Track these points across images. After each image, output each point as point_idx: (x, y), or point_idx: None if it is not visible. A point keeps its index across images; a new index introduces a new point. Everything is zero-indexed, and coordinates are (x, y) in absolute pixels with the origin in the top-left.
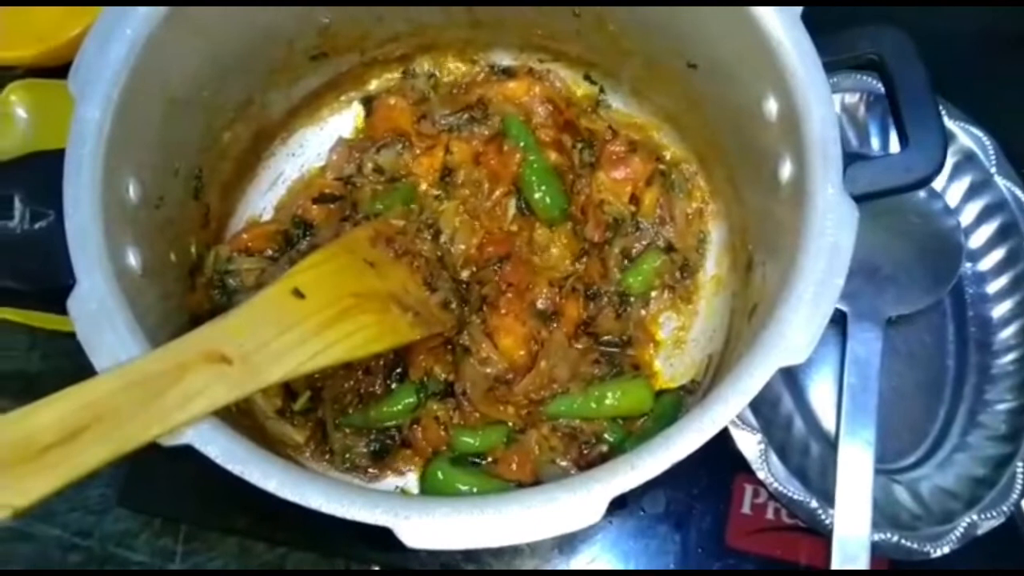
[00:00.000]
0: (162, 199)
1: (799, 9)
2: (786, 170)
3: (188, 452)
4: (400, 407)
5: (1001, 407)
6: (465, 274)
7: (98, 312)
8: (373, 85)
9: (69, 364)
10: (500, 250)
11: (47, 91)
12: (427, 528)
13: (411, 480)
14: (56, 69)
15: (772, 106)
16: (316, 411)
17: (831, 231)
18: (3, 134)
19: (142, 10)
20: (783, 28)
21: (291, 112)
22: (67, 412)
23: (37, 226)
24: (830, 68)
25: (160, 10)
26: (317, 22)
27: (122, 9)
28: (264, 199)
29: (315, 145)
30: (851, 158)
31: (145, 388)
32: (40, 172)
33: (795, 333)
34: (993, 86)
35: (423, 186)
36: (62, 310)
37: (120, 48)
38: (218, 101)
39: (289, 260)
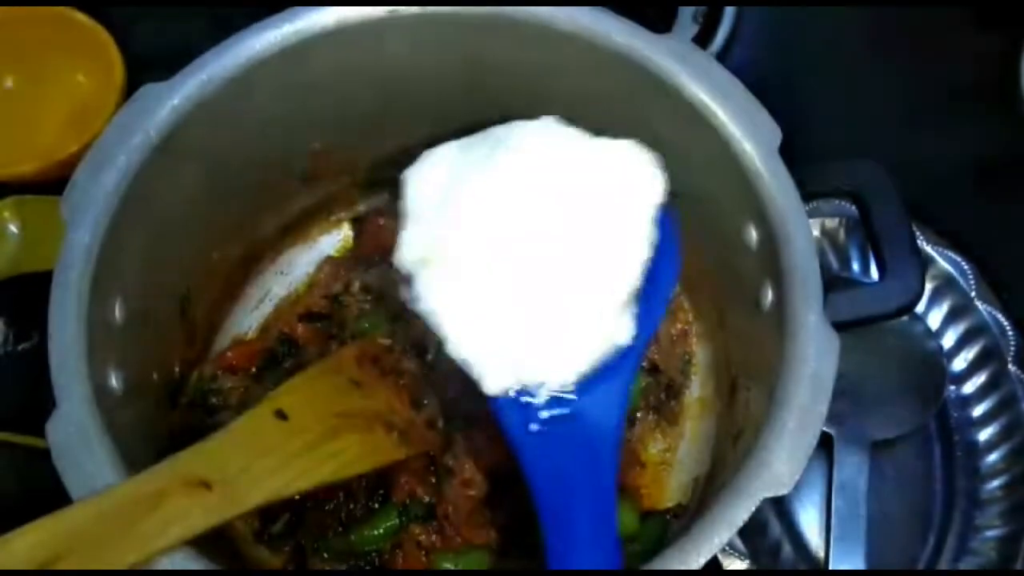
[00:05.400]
0: (148, 319)
1: (776, 142)
2: (767, 297)
3: None
4: (382, 531)
5: (991, 533)
6: (452, 393)
7: (76, 436)
8: (363, 206)
9: (45, 482)
10: None
11: (40, 207)
12: None
13: None
14: (51, 185)
15: (752, 234)
16: (295, 534)
17: (812, 359)
18: None
19: (136, 139)
20: (761, 161)
21: (281, 232)
22: (40, 543)
23: (21, 347)
24: (807, 198)
25: (154, 138)
26: (309, 147)
27: (117, 137)
28: (250, 317)
29: (304, 264)
30: (832, 281)
31: (121, 516)
32: (26, 294)
33: (779, 463)
34: (970, 212)
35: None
36: (42, 432)
37: (113, 176)
38: (209, 223)
39: (274, 379)
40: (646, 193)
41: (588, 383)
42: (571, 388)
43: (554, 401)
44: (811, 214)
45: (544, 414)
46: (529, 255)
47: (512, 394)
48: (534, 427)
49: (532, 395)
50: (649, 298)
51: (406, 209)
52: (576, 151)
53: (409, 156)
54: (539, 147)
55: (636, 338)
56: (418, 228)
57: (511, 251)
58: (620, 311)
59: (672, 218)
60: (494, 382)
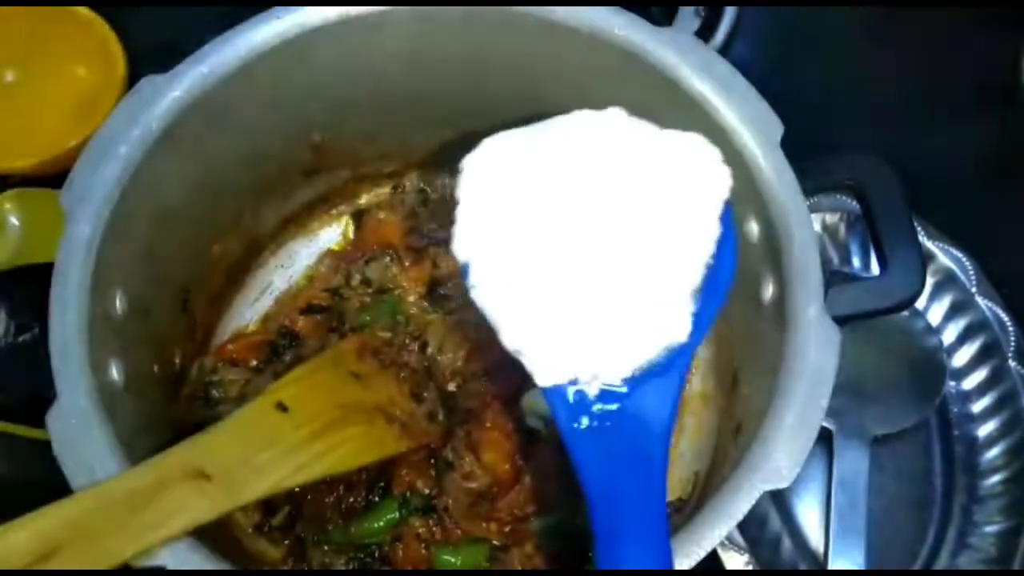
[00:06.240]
0: (149, 312)
1: (778, 135)
2: (768, 291)
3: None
4: (382, 523)
5: (990, 529)
6: (452, 386)
7: (77, 427)
8: (363, 199)
9: (43, 473)
10: (486, 362)
11: (40, 200)
12: None
13: None
14: (51, 178)
15: (754, 228)
16: (295, 527)
17: (813, 353)
18: None
19: (137, 131)
20: (762, 154)
21: (282, 225)
22: (42, 532)
23: (21, 339)
24: (809, 192)
25: (155, 130)
26: (310, 140)
27: (117, 128)
28: (251, 310)
29: (305, 257)
30: (832, 276)
31: (122, 507)
32: (27, 285)
33: (779, 456)
34: (971, 208)
35: (410, 298)
36: (43, 423)
37: (113, 167)
38: (209, 216)
39: (274, 371)
40: (713, 189)
41: (641, 379)
42: (624, 384)
43: (606, 396)
44: (812, 209)
45: (596, 408)
46: (591, 247)
47: (565, 387)
48: (585, 421)
49: (585, 389)
50: (706, 295)
51: (464, 196)
52: (642, 143)
53: (411, 149)
54: (604, 137)
55: (692, 335)
56: (476, 215)
57: (572, 242)
58: (679, 308)
59: (729, 215)
60: (548, 375)
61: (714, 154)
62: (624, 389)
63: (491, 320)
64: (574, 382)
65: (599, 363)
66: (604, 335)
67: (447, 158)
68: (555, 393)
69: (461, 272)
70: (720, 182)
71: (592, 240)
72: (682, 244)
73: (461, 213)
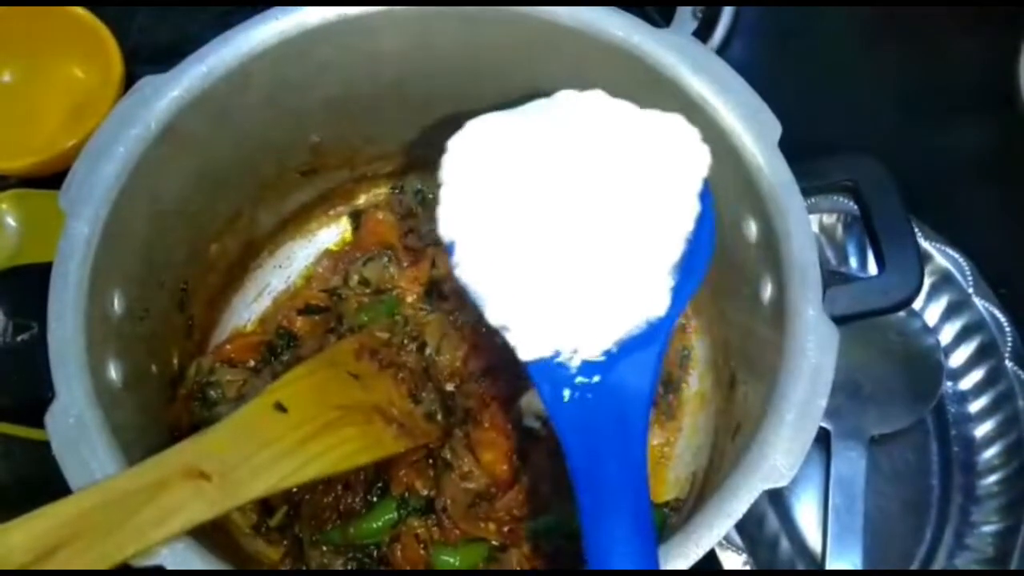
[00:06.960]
0: (147, 311)
1: (776, 136)
2: (767, 291)
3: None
4: (380, 524)
5: (987, 529)
6: (450, 386)
7: (75, 427)
8: (362, 200)
9: (39, 473)
10: (485, 362)
11: (38, 201)
12: None
13: None
14: (48, 179)
15: (752, 228)
16: (293, 527)
17: (812, 352)
18: None
19: (136, 129)
20: (761, 154)
21: (280, 225)
22: (41, 532)
23: (20, 339)
24: (807, 192)
25: (154, 129)
26: (308, 140)
27: (116, 127)
28: (249, 310)
29: (302, 257)
30: (830, 277)
31: (121, 506)
32: (25, 285)
33: (778, 455)
34: (967, 208)
35: (409, 299)
36: (40, 423)
37: (112, 166)
38: (207, 215)
39: (272, 372)
40: (693, 166)
41: (621, 353)
42: (605, 356)
43: (588, 369)
44: (809, 210)
45: (578, 380)
46: (572, 224)
47: (547, 360)
48: (567, 394)
49: (567, 362)
50: (686, 271)
51: (448, 176)
52: (623, 122)
53: (409, 150)
54: (586, 117)
55: (670, 310)
56: (460, 195)
57: (553, 219)
58: (658, 283)
59: (709, 192)
60: (530, 348)
61: (693, 133)
62: (606, 362)
63: (475, 297)
64: (556, 355)
65: (580, 336)
66: (585, 309)
67: None
68: (538, 367)
69: (447, 251)
70: (699, 160)
71: (573, 217)
72: (661, 220)
73: (445, 194)
